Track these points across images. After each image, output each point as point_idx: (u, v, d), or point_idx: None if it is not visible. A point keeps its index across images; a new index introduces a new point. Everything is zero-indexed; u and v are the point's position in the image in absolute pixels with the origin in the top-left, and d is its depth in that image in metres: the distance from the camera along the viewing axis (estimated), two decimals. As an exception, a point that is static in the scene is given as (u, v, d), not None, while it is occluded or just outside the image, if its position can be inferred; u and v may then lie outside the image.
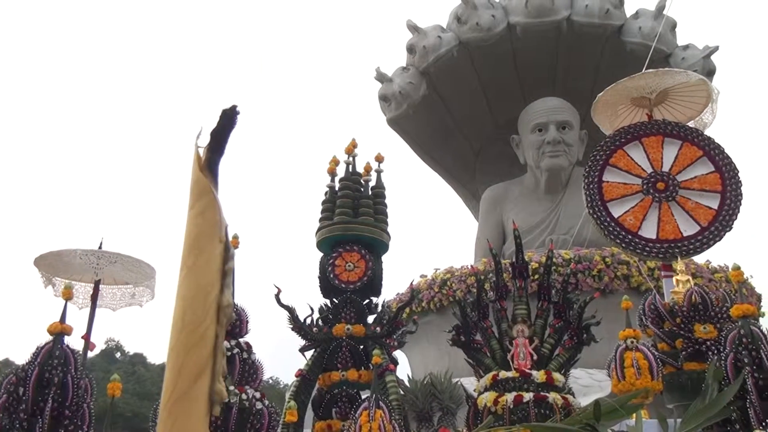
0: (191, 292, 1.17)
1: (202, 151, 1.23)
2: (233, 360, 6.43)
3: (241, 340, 6.65)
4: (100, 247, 7.38)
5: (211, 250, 1.18)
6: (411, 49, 16.48)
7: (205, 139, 1.22)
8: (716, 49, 15.52)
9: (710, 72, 15.23)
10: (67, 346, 5.48)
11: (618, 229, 7.65)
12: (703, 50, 15.51)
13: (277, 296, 7.40)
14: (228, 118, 1.20)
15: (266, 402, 6.38)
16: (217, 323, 1.16)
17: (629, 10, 15.75)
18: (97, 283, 7.49)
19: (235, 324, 6.62)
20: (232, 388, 6.27)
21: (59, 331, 5.39)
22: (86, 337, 7.04)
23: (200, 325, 1.16)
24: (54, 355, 5.21)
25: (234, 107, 1.22)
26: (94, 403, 5.73)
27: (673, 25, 15.93)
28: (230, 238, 1.24)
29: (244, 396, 6.17)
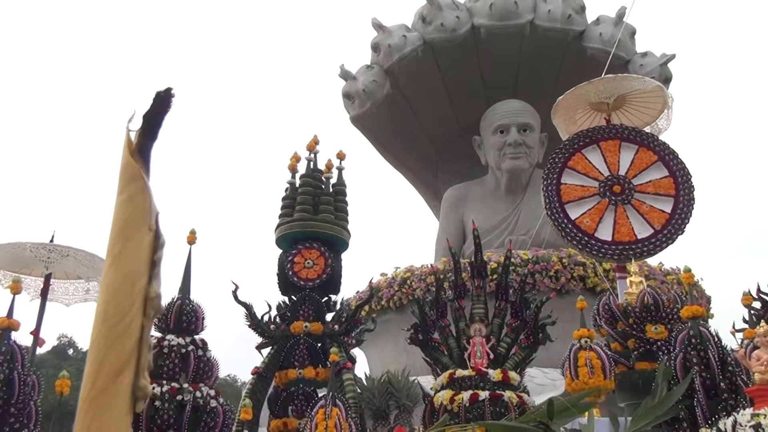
0: (116, 281, 1.12)
1: (133, 135, 1.19)
2: (188, 357, 6.32)
3: (196, 336, 6.55)
4: (51, 241, 7.18)
5: (140, 238, 1.13)
6: (376, 48, 16.47)
7: (138, 123, 1.17)
8: (673, 57, 15.90)
9: (667, 79, 15.61)
10: (14, 341, 5.32)
11: (575, 230, 7.78)
12: (660, 58, 15.88)
13: (234, 293, 7.31)
14: (162, 102, 1.16)
15: (221, 400, 6.29)
16: (143, 315, 1.11)
17: (590, 16, 16.05)
18: (47, 277, 7.28)
19: (191, 320, 6.52)
20: (186, 385, 6.17)
21: (6, 327, 5.22)
22: (35, 332, 6.83)
23: (125, 317, 1.11)
24: (0, 351, 5.05)
25: (169, 90, 1.18)
26: (42, 400, 5.57)
27: (633, 33, 16.28)
28: (159, 225, 1.19)
29: (198, 394, 6.07)
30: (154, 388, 6.04)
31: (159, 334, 6.53)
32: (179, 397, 6.01)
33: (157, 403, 5.90)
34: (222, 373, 7.30)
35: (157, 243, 1.17)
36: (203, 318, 6.64)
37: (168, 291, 6.88)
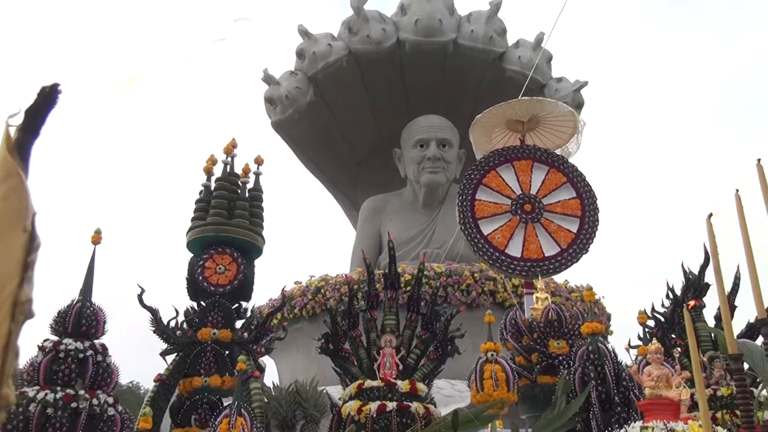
0: None
1: (13, 130, 1.12)
2: (86, 363, 6.04)
3: (96, 341, 6.27)
4: None
5: (12, 238, 1.06)
6: (300, 54, 16.38)
7: (20, 118, 1.11)
8: (585, 83, 16.68)
9: (579, 105, 16.33)
10: None
11: (486, 245, 7.99)
12: (574, 84, 16.61)
13: (140, 296, 7.04)
14: (46, 97, 1.10)
15: (120, 408, 6.04)
16: (11, 320, 1.04)
17: (511, 39, 16.58)
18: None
19: (91, 324, 6.23)
20: (82, 392, 5.88)
21: None
22: None
23: None
24: None
25: (55, 85, 1.12)
26: None
27: (549, 58, 16.95)
28: (35, 226, 1.13)
29: (95, 401, 5.81)
30: (46, 395, 5.73)
31: (56, 338, 6.20)
32: (74, 405, 5.72)
33: (50, 410, 5.60)
34: (125, 379, 7.01)
35: (31, 245, 1.10)
36: (104, 322, 6.37)
37: (70, 293, 6.56)
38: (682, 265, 8.00)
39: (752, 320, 7.41)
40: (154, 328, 7.02)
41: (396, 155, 16.39)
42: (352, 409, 5.79)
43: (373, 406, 5.72)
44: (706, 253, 7.77)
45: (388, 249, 6.99)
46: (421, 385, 6.06)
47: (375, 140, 17.44)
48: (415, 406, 5.77)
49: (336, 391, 7.66)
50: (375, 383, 5.99)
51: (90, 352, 6.08)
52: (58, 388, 5.82)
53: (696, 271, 7.87)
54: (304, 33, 16.27)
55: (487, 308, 10.09)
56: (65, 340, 6.06)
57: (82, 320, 6.18)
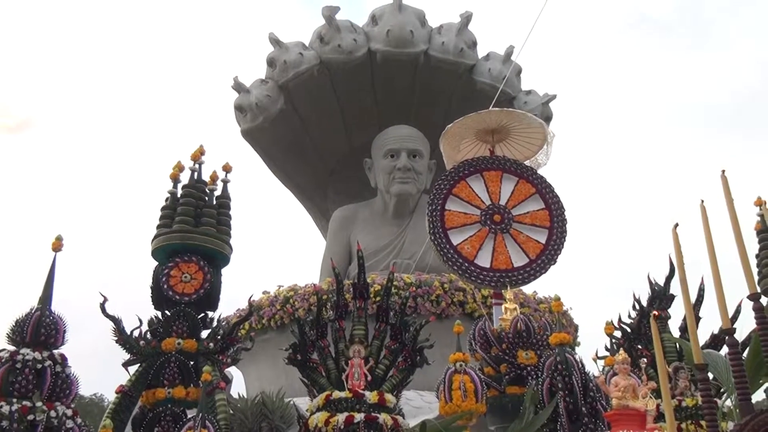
0: None
1: None
2: (44, 373, 5.85)
3: (55, 351, 6.07)
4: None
5: None
6: (271, 63, 16.28)
7: None
8: (554, 97, 16.89)
9: (548, 118, 16.52)
10: None
11: (456, 256, 7.99)
12: (543, 97, 16.80)
13: (102, 305, 6.87)
14: None
15: (79, 420, 5.86)
16: None
17: (481, 51, 16.72)
18: None
19: (50, 333, 6.04)
20: (39, 404, 5.69)
21: None
22: None
23: None
24: None
25: None
26: None
27: (519, 71, 17.13)
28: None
29: (53, 413, 5.62)
30: (2, 406, 5.53)
31: (12, 348, 6.00)
32: (30, 417, 5.53)
33: (5, 423, 5.40)
34: (88, 391, 6.82)
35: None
36: (64, 331, 6.18)
37: (28, 301, 6.36)
38: (648, 276, 8.10)
39: (716, 332, 7.53)
40: (116, 338, 6.84)
41: (366, 165, 16.37)
42: (319, 421, 5.71)
43: (341, 417, 5.65)
44: (672, 264, 7.88)
45: (357, 258, 6.94)
46: (389, 396, 6.01)
47: (345, 150, 17.39)
48: (383, 417, 5.71)
49: (303, 403, 7.56)
50: (343, 394, 5.92)
51: (48, 362, 5.88)
52: (14, 400, 5.62)
53: (661, 282, 7.98)
54: (275, 41, 16.18)
55: (457, 319, 10.11)
56: (23, 350, 5.86)
57: (41, 329, 5.99)
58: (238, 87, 16.56)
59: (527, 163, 9.15)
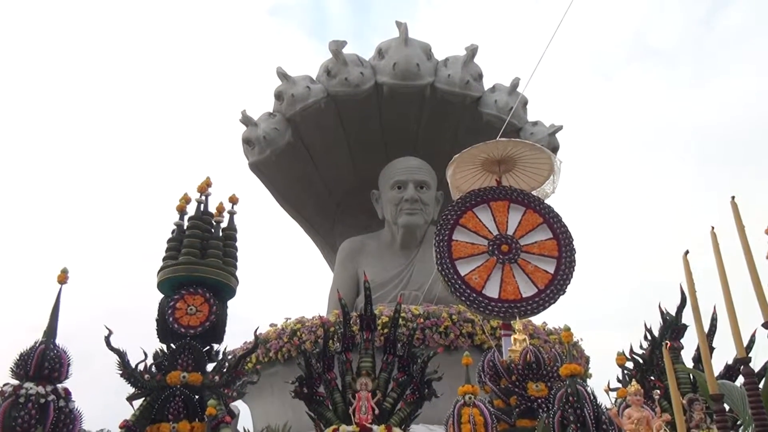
0: None
1: None
2: (47, 408, 5.78)
3: (59, 385, 6.01)
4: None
5: None
6: (279, 96, 16.44)
7: None
8: (560, 128, 16.92)
9: (554, 148, 16.52)
10: None
11: (464, 287, 7.91)
12: (549, 128, 16.84)
13: (107, 339, 6.81)
14: None
15: (81, 456, 5.76)
16: None
17: (487, 83, 16.84)
18: None
19: (54, 367, 5.99)
20: (42, 440, 5.61)
21: None
22: None
23: None
24: None
25: None
26: None
27: (525, 102, 17.21)
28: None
29: (55, 450, 5.53)
30: (4, 442, 5.46)
31: (16, 382, 5.94)
32: None
33: (7, 459, 5.32)
34: (95, 426, 6.74)
35: None
36: (68, 365, 6.12)
37: (33, 334, 6.32)
38: (660, 306, 7.99)
39: (730, 362, 7.38)
40: (121, 372, 6.77)
41: (374, 197, 16.39)
42: (325, 456, 5.60)
43: (348, 452, 5.54)
44: (683, 294, 7.77)
45: (364, 290, 6.88)
46: (397, 430, 5.91)
47: (353, 182, 17.45)
48: (390, 451, 5.59)
49: (310, 437, 7.43)
50: (350, 428, 5.83)
51: (52, 396, 5.82)
52: (17, 436, 5.55)
53: (673, 312, 7.86)
54: (282, 75, 16.37)
55: (465, 350, 9.97)
56: (26, 384, 5.80)
57: (44, 363, 5.94)
58: (246, 120, 16.71)
59: (534, 193, 9.11)
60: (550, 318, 14.78)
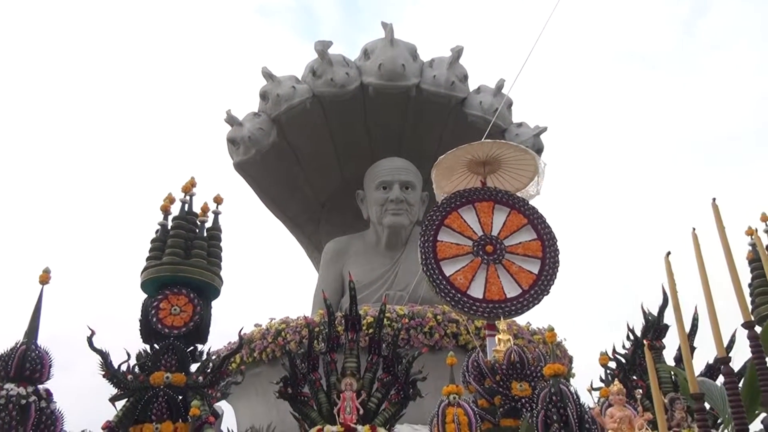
0: None
1: None
2: (28, 409, 5.72)
3: (40, 386, 5.95)
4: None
5: None
6: (264, 96, 16.38)
7: None
8: (545, 129, 17.02)
9: (539, 150, 16.61)
10: None
11: (448, 287, 7.94)
12: (534, 129, 16.92)
13: (89, 339, 6.75)
14: None
15: (63, 458, 5.71)
16: None
17: (472, 84, 16.89)
18: None
19: (35, 368, 5.93)
20: (23, 441, 5.55)
21: None
22: None
23: None
24: None
25: None
26: None
27: (510, 104, 17.29)
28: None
29: (36, 451, 5.48)
30: (-17, 444, 5.40)
31: (-4, 383, 5.88)
32: None
33: (-14, 461, 5.27)
34: (77, 427, 6.67)
35: None
36: (50, 366, 6.07)
37: (14, 335, 6.26)
38: (642, 306, 8.07)
39: (711, 361, 7.48)
40: (103, 372, 6.71)
41: (359, 197, 16.39)
42: (310, 456, 5.60)
43: (332, 452, 5.54)
44: (665, 294, 7.86)
45: (349, 290, 6.89)
46: (382, 430, 5.92)
47: (338, 182, 17.43)
48: (375, 451, 5.60)
49: (294, 438, 7.41)
50: (335, 428, 5.83)
51: (33, 398, 5.76)
52: (-3, 437, 5.50)
53: (655, 312, 7.95)
54: (268, 75, 16.31)
55: (450, 350, 10.00)
56: (6, 385, 5.74)
57: (26, 364, 5.88)
58: (231, 120, 16.63)
59: (519, 194, 9.17)
60: (534, 318, 14.87)
